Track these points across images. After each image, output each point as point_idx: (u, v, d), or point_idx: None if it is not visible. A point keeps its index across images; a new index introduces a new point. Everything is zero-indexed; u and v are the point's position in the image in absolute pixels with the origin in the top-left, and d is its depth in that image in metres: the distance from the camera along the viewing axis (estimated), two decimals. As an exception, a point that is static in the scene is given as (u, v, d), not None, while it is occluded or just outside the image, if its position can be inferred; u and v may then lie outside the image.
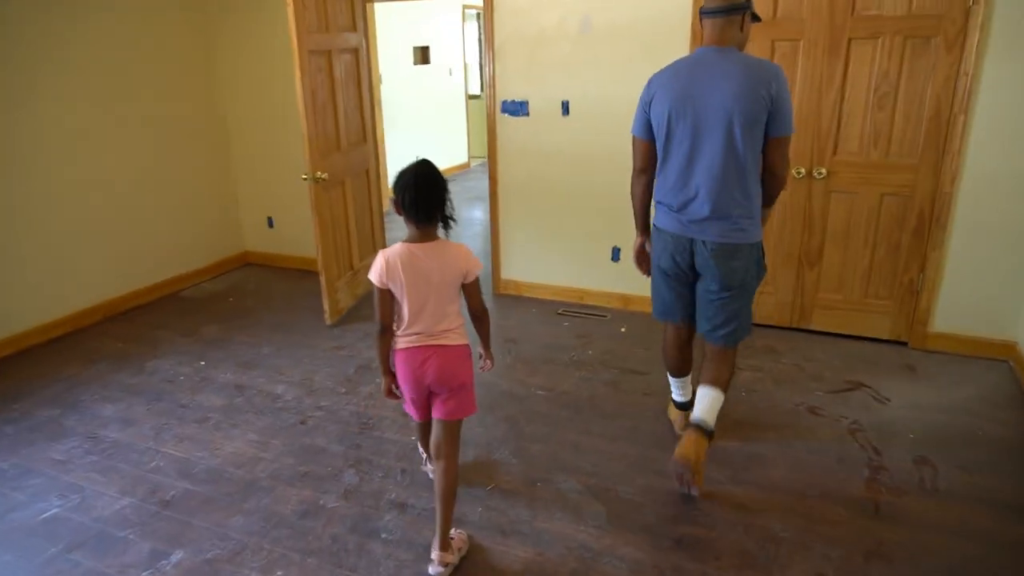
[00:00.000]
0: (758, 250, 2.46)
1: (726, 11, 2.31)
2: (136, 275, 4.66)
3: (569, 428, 3.07)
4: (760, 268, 2.50)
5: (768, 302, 3.93)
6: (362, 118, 4.56)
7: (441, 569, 2.17)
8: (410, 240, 2.11)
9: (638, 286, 4.26)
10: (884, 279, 3.69)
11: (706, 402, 2.52)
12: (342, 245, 4.36)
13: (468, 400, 2.25)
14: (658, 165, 2.51)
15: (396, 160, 7.50)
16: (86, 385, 3.54)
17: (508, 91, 4.23)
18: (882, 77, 3.42)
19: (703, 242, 2.42)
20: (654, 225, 2.62)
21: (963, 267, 3.53)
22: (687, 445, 2.44)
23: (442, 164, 8.62)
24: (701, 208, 2.39)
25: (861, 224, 3.64)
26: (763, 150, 2.35)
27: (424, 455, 2.71)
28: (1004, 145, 3.31)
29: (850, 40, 3.42)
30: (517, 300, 4.59)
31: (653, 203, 2.61)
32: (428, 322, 2.12)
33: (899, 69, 3.38)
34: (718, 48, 2.33)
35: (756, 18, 2.40)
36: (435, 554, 2.18)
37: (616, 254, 4.27)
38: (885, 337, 3.78)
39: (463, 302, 2.23)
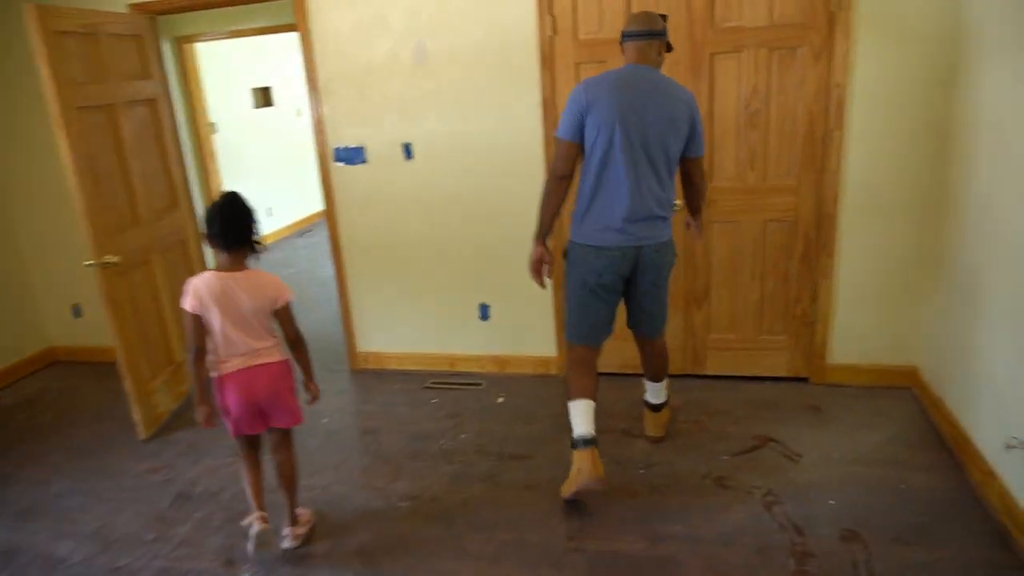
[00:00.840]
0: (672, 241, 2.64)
1: (649, 35, 2.45)
2: None
3: (439, 553, 2.47)
4: (674, 256, 2.68)
5: (658, 350, 3.50)
6: (170, 180, 3.81)
7: (296, 542, 2.50)
8: (221, 268, 2.26)
9: (512, 345, 3.74)
10: (777, 313, 3.34)
11: (659, 388, 2.95)
12: (155, 337, 3.57)
13: (296, 410, 2.44)
14: (587, 177, 2.47)
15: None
16: None
17: (340, 136, 3.62)
18: (751, 93, 3.08)
19: (648, 246, 2.50)
20: (587, 245, 2.51)
21: (854, 292, 3.24)
22: (657, 422, 3.01)
23: (297, 214, 7.90)
24: (647, 217, 2.46)
25: (747, 255, 3.28)
26: (685, 168, 2.58)
27: (253, 503, 2.48)
28: (883, 159, 3.04)
29: (712, 55, 3.07)
30: (379, 376, 3.94)
31: (577, 220, 2.53)
32: (246, 346, 2.27)
33: (767, 84, 3.05)
34: (648, 67, 2.46)
35: (670, 47, 2.55)
36: (286, 530, 2.51)
37: (484, 312, 3.72)
38: (784, 374, 3.43)
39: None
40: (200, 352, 2.26)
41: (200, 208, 5.81)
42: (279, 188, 7.38)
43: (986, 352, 2.59)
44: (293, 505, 2.53)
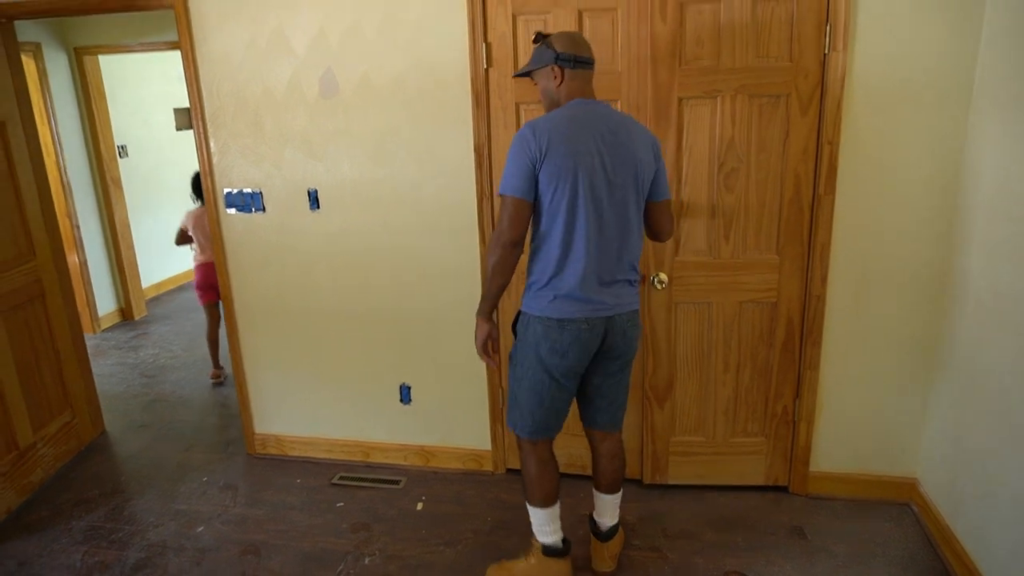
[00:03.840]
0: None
1: (592, 64, 2.08)
2: None
3: None
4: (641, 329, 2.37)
5: (611, 447, 2.91)
6: (24, 223, 3.10)
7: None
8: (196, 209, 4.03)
9: (439, 434, 3.11)
10: (753, 411, 2.78)
11: (614, 504, 2.41)
12: (-12, 419, 2.85)
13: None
14: (545, 238, 2.02)
15: (152, 251, 5.95)
16: None
17: (232, 177, 2.98)
18: (727, 148, 2.53)
19: (618, 316, 2.09)
20: (547, 319, 2.04)
21: (844, 386, 2.70)
22: (608, 553, 2.41)
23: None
24: (617, 281, 2.08)
25: (718, 343, 2.71)
26: (651, 216, 2.19)
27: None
28: (881, 231, 2.52)
29: (680, 100, 2.52)
30: (278, 465, 3.26)
31: (532, 289, 2.08)
32: (208, 251, 4.04)
33: (748, 137, 2.51)
34: (601, 102, 2.08)
35: None
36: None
37: (406, 394, 3.09)
38: (761, 483, 2.86)
39: None
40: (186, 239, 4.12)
41: (96, 245, 5.11)
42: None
43: (1001, 463, 2.08)
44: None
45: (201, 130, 2.94)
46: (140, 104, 5.84)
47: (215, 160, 2.97)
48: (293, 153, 2.88)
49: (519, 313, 2.14)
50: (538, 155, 1.94)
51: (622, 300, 2.09)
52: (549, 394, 2.12)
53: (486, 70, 2.62)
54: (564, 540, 2.31)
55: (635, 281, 2.14)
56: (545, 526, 2.26)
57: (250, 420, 3.30)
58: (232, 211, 3.00)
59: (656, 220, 2.19)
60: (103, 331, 5.26)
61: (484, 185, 2.72)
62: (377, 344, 3.06)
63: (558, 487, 2.26)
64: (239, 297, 3.13)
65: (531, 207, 1.99)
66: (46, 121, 4.65)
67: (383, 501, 2.92)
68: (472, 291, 2.80)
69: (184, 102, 6.36)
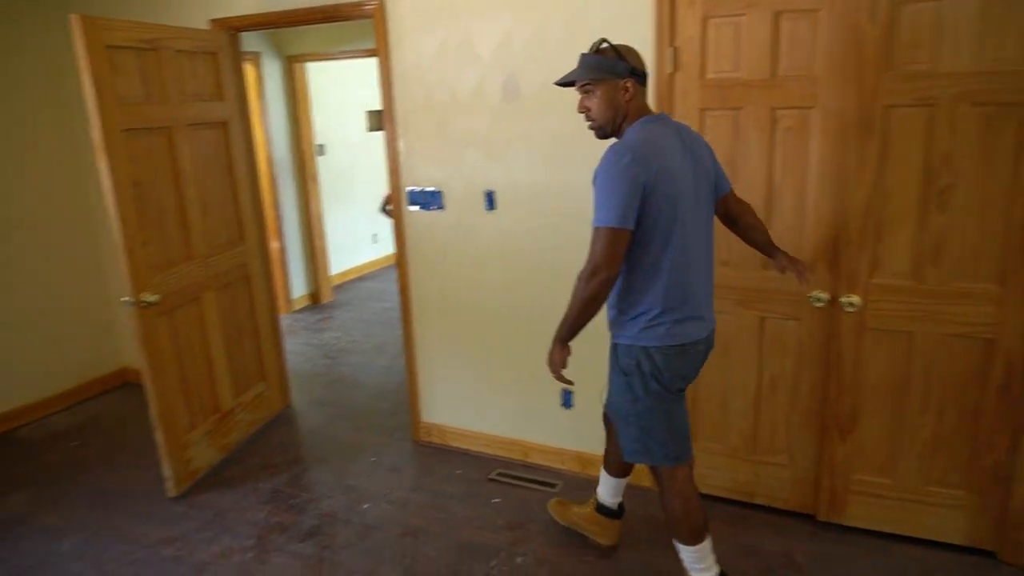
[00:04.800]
0: None
1: None
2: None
3: None
4: None
5: (777, 475, 2.71)
6: (238, 211, 3.47)
7: None
8: None
9: (599, 442, 3.05)
10: (955, 459, 2.45)
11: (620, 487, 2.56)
12: (199, 383, 3.22)
13: None
14: (657, 264, 1.95)
15: (340, 242, 6.44)
16: None
17: (416, 176, 3.13)
18: (942, 163, 2.25)
19: (713, 331, 2.13)
20: (668, 347, 1.98)
21: (1077, 442, 2.30)
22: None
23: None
24: (710, 293, 2.11)
25: (916, 378, 2.43)
26: (727, 210, 2.23)
27: None
28: None
29: (887, 108, 2.28)
30: (441, 454, 3.39)
31: (642, 321, 2.00)
32: None
33: (969, 150, 2.22)
34: (664, 115, 2.04)
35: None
36: None
37: (568, 398, 3.08)
38: (959, 542, 2.52)
39: None
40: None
41: (293, 234, 5.63)
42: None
43: None
44: None
45: (390, 131, 3.11)
46: (338, 107, 6.34)
47: (401, 159, 3.13)
48: (474, 155, 2.97)
49: (626, 349, 2.04)
50: (649, 181, 1.84)
51: (711, 314, 2.11)
52: (675, 418, 2.08)
53: (671, 75, 2.54)
54: (722, 574, 2.17)
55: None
56: (697, 564, 2.13)
57: (417, 408, 3.46)
58: (414, 208, 3.16)
59: (736, 212, 2.22)
60: (294, 312, 5.77)
61: (661, 192, 2.64)
62: (543, 346, 3.05)
63: (706, 520, 2.13)
64: (416, 291, 3.29)
65: (630, 236, 1.88)
66: (259, 122, 5.18)
67: (539, 503, 2.93)
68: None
69: (376, 105, 6.83)
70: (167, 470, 3.03)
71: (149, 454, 3.33)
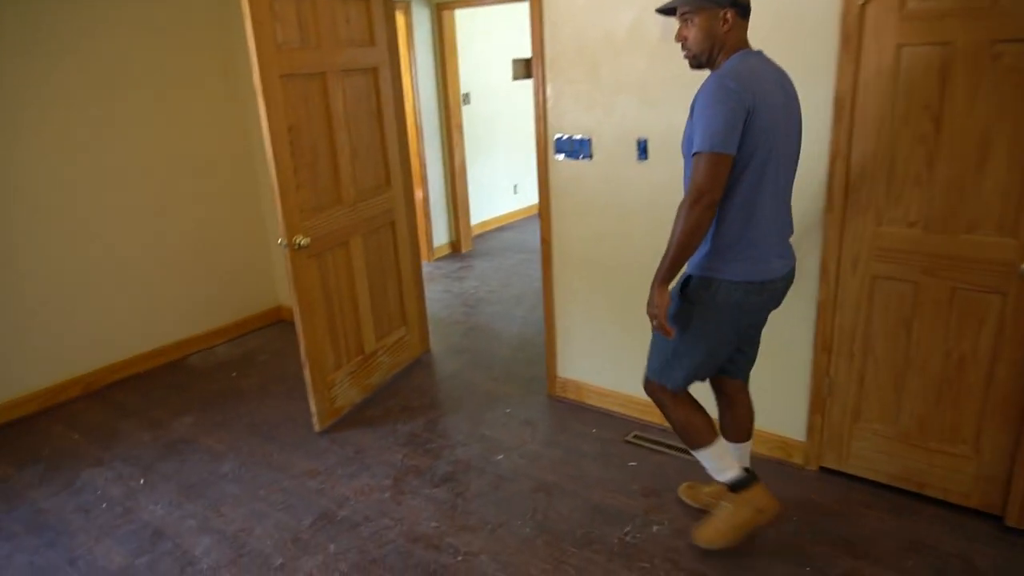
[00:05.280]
0: None
1: None
2: (140, 336, 3.96)
3: None
4: None
5: (957, 467, 2.39)
6: (385, 157, 3.50)
7: None
8: None
9: (745, 414, 2.85)
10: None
11: (748, 450, 2.42)
12: (345, 324, 3.32)
13: None
14: (743, 194, 1.91)
15: (481, 192, 6.44)
16: (-16, 510, 2.77)
17: (564, 123, 2.99)
18: None
19: (793, 267, 2.11)
20: (747, 282, 1.97)
21: None
22: (769, 496, 2.21)
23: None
24: (791, 232, 2.11)
25: None
26: None
27: None
28: None
29: None
30: (576, 411, 3.32)
31: (723, 251, 1.97)
32: None
33: None
34: (761, 52, 1.99)
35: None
36: None
37: (713, 364, 2.88)
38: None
39: None
40: None
41: (436, 183, 5.68)
42: (528, 165, 7.02)
43: None
44: None
45: (540, 75, 2.98)
46: (484, 56, 6.27)
47: (549, 105, 3.00)
48: (626, 100, 2.78)
49: (690, 278, 2.03)
50: (751, 107, 1.80)
51: (792, 251, 2.09)
52: (724, 350, 2.14)
53: (862, 6, 2.21)
54: (746, 469, 2.25)
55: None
56: (719, 462, 2.23)
57: (554, 362, 3.39)
58: (560, 157, 3.03)
59: None
60: (435, 260, 5.87)
61: (840, 142, 2.34)
62: (689, 307, 2.88)
63: (712, 422, 2.23)
64: (557, 242, 3.18)
65: (731, 162, 1.83)
66: (408, 69, 5.21)
67: (676, 471, 2.79)
68: (809, 265, 2.47)
69: (521, 54, 6.70)
70: (314, 406, 3.17)
71: (298, 389, 3.51)
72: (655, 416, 3.10)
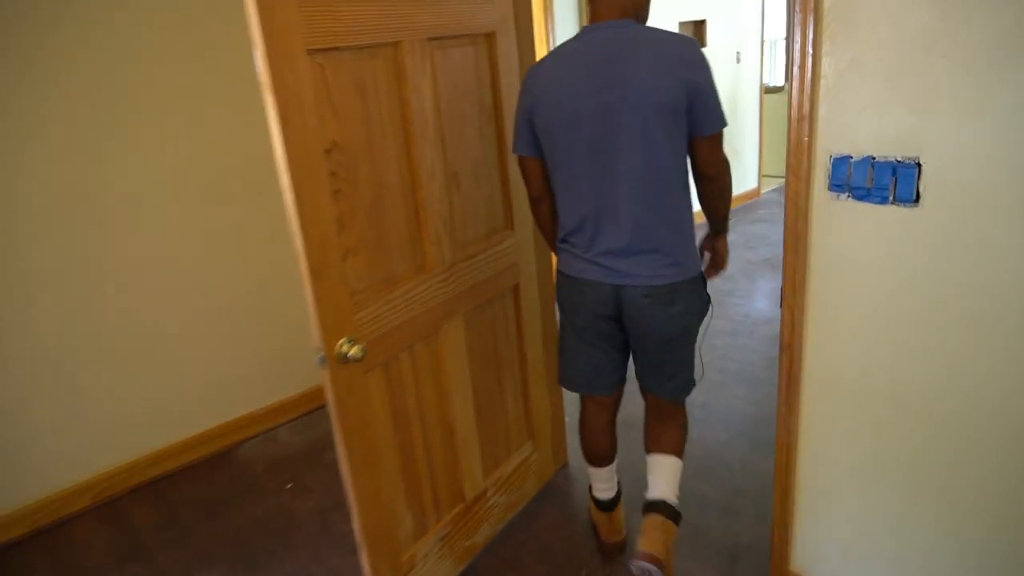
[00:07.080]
0: (700, 283, 1.84)
1: None
2: (178, 417, 2.92)
3: None
4: (704, 304, 1.88)
5: None
6: (505, 186, 2.15)
7: None
8: None
9: None
10: None
11: (666, 473, 1.96)
12: (433, 465, 2.03)
13: None
14: (556, 194, 1.82)
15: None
16: None
17: (854, 132, 1.48)
18: None
19: (632, 287, 1.75)
20: (560, 272, 1.87)
21: None
22: (652, 535, 1.82)
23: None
24: (619, 243, 1.73)
25: None
26: (691, 155, 1.73)
27: None
28: None
29: None
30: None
31: (559, 242, 1.86)
32: None
33: None
34: (612, 24, 1.65)
35: None
36: None
37: None
38: None
39: None
40: None
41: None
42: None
43: None
44: None
45: (803, 33, 1.49)
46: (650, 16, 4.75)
47: (823, 92, 1.50)
48: (1004, 87, 1.24)
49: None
50: (529, 108, 1.72)
51: (639, 271, 1.75)
52: (574, 347, 1.98)
53: None
54: (613, 497, 2.18)
55: (673, 250, 1.74)
56: (593, 481, 2.18)
57: (787, 546, 1.92)
58: (841, 196, 1.53)
59: (695, 163, 1.74)
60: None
61: None
62: None
63: (605, 451, 2.12)
64: (814, 355, 1.69)
65: (536, 162, 1.83)
66: (544, 39, 3.82)
67: None
68: None
69: (693, 16, 5.14)
70: (378, 597, 1.89)
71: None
72: None
